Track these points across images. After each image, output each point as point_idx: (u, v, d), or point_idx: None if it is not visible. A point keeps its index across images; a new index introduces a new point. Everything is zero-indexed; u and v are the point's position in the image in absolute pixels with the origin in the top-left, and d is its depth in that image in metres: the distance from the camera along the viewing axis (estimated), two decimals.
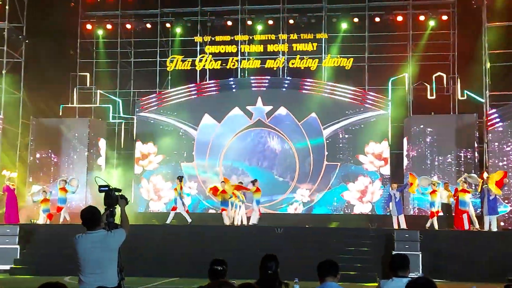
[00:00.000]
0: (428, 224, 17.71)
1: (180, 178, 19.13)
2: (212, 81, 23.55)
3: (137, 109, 23.54)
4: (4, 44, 22.07)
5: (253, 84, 23.25)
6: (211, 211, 22.04)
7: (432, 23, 22.63)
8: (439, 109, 21.83)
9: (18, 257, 16.49)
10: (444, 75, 21.98)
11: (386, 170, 21.85)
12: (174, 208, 18.89)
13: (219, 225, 18.66)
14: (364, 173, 21.87)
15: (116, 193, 6.01)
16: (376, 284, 10.36)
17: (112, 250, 5.69)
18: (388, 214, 19.32)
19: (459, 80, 22.01)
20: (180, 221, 19.06)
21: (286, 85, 23.10)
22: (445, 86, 22.02)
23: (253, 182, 18.88)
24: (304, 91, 22.82)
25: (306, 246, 16.00)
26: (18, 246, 16.62)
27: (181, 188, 18.91)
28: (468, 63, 21.90)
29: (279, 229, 17.02)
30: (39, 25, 22.02)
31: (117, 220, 6.05)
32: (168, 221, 18.75)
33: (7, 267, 16.22)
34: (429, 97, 21.86)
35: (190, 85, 23.46)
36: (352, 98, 22.48)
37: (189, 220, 18.51)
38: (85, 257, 5.59)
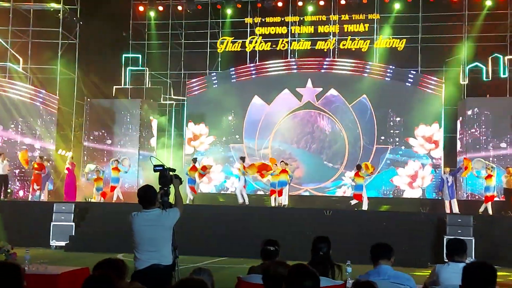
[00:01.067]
0: (481, 209, 17.33)
1: (194, 160, 20.09)
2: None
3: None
4: (59, 26, 22.60)
5: (301, 66, 23.12)
6: (259, 192, 22.12)
7: (489, 2, 21.88)
8: (495, 91, 21.21)
9: (73, 234, 16.98)
10: (501, 57, 21.28)
11: (437, 153, 21.44)
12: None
13: (269, 206, 18.75)
14: (414, 157, 21.51)
15: (171, 173, 6.10)
16: (428, 269, 10.23)
17: (167, 228, 5.79)
18: (440, 198, 19.00)
19: None
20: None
21: (338, 67, 22.82)
22: (501, 67, 21.33)
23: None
24: (355, 73, 22.54)
25: (355, 229, 15.90)
26: (73, 223, 17.08)
27: (192, 169, 19.51)
28: None
29: (328, 211, 16.98)
30: (92, 7, 22.44)
31: (171, 199, 6.14)
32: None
33: (63, 243, 16.73)
34: (484, 79, 21.25)
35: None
36: (404, 80, 22.09)
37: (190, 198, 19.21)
38: (140, 235, 5.72)
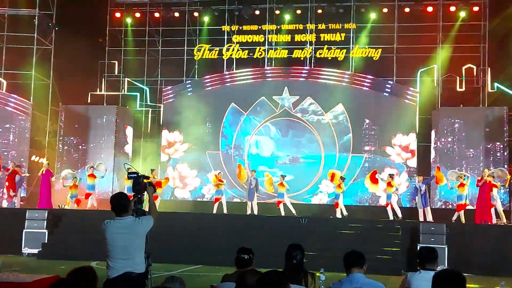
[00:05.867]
0: (454, 217, 17.51)
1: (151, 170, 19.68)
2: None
3: (165, 96, 23.73)
4: (34, 32, 22.37)
5: (277, 74, 23.24)
6: (235, 200, 22.10)
7: (463, 14, 22.24)
8: (469, 101, 21.53)
9: (46, 241, 16.77)
10: (474, 67, 21.61)
11: (413, 163, 21.65)
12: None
13: (244, 214, 18.77)
14: (391, 165, 21.69)
15: (145, 181, 6.07)
16: (401, 276, 10.29)
17: (140, 236, 5.75)
18: (414, 206, 19.17)
19: (489, 72, 21.63)
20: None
21: (315, 76, 22.94)
22: (475, 78, 21.66)
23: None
24: (331, 82, 22.69)
25: (330, 237, 15.98)
26: (46, 231, 16.89)
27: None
28: (499, 55, 21.52)
29: (304, 219, 17.03)
30: (68, 12, 22.25)
31: (145, 207, 6.12)
32: None
33: (35, 251, 16.50)
34: (458, 89, 21.54)
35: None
36: (380, 89, 22.31)
37: None
38: (113, 243, 5.66)
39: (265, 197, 21.06)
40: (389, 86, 22.39)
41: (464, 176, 17.92)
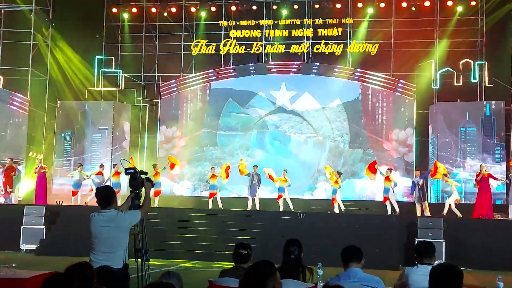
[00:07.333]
0: (457, 213, 17.42)
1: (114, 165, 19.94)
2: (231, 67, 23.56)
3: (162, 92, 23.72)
4: (31, 27, 22.28)
5: (275, 69, 23.20)
6: (233, 195, 22.09)
7: (460, 8, 22.20)
8: (466, 96, 21.51)
9: (44, 237, 16.75)
10: (472, 62, 21.60)
11: (411, 157, 21.67)
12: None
13: (242, 209, 18.77)
14: (388, 160, 21.70)
15: (142, 176, 6.06)
16: (398, 271, 10.32)
17: (123, 230, 5.73)
18: (411, 201, 19.19)
19: (486, 66, 21.61)
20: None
21: (312, 71, 22.93)
22: (472, 72, 21.65)
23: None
24: (328, 77, 22.68)
25: (328, 232, 16.00)
26: (44, 227, 16.89)
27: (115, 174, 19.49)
28: (496, 50, 21.50)
29: (302, 214, 17.05)
30: (65, 8, 22.17)
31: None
32: None
33: (33, 247, 16.50)
34: (455, 83, 21.54)
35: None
36: (377, 84, 22.31)
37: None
38: (96, 235, 5.73)
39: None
40: (385, 80, 22.36)
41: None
